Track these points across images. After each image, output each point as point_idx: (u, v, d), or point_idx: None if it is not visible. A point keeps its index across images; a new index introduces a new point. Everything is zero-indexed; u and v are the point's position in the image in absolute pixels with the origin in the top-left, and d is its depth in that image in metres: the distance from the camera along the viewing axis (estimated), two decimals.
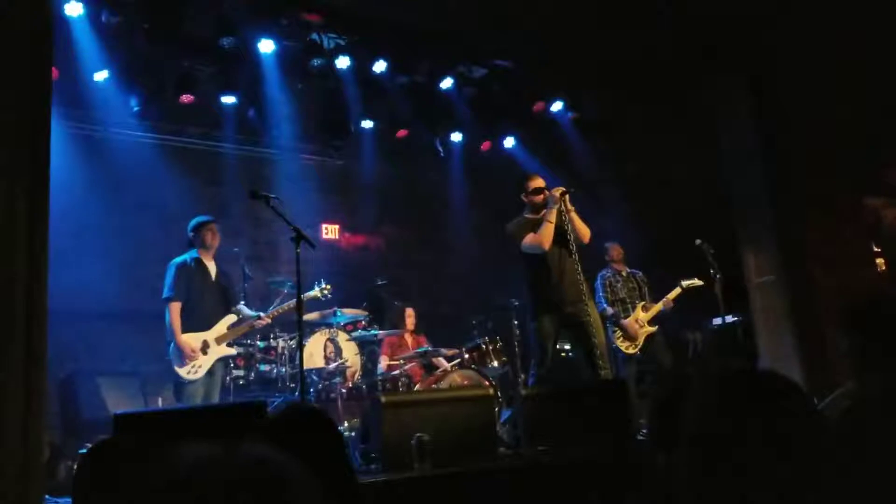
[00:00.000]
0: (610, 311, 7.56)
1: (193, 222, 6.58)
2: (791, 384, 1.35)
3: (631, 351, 7.52)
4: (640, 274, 7.91)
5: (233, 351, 6.46)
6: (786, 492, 1.22)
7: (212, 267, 6.52)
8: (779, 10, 7.01)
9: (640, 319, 7.60)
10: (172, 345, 6.17)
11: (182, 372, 6.12)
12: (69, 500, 4.30)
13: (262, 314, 6.59)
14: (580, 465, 4.24)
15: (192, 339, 6.18)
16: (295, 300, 6.40)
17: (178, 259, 6.43)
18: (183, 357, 6.12)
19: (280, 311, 6.62)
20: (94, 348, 7.43)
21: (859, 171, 7.59)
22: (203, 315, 6.33)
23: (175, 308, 6.21)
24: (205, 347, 6.23)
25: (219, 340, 6.33)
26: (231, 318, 6.47)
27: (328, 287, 6.95)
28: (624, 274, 7.83)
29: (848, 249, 7.40)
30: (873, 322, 2.40)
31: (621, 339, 7.54)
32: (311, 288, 6.93)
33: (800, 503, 1.22)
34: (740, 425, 1.27)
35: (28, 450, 3.84)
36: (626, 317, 7.60)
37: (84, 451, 4.86)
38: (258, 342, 7.07)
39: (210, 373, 6.25)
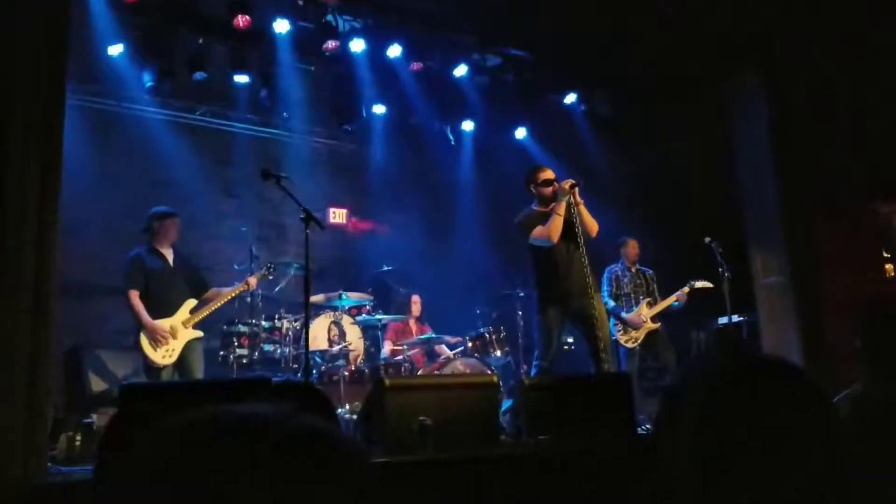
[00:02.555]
0: (611, 304, 7.57)
1: (157, 211, 6.60)
2: (800, 373, 1.34)
3: (630, 345, 7.54)
4: (650, 272, 7.91)
5: (200, 333, 6.49)
6: (789, 484, 1.21)
7: (168, 254, 6.56)
8: (795, 10, 6.99)
9: (643, 315, 7.60)
10: (142, 333, 6.22)
11: (156, 357, 6.17)
12: (71, 469, 4.34)
13: (237, 282, 6.73)
14: (581, 456, 4.24)
15: (161, 324, 6.25)
16: (235, 287, 6.64)
17: (132, 253, 6.47)
18: (156, 342, 6.19)
19: (235, 291, 6.72)
20: (99, 322, 7.45)
21: (871, 175, 7.56)
22: (165, 302, 6.40)
23: (134, 295, 6.27)
24: (173, 332, 6.29)
25: (185, 324, 6.39)
26: (192, 303, 6.52)
27: (274, 267, 7.01)
28: (633, 270, 7.84)
29: (857, 254, 7.38)
30: (889, 324, 2.39)
31: (621, 332, 7.55)
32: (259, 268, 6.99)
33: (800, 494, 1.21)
34: (743, 414, 1.26)
35: (33, 422, 3.87)
36: (628, 311, 7.62)
37: (89, 420, 4.90)
38: (263, 322, 7.11)
39: (182, 357, 6.31)
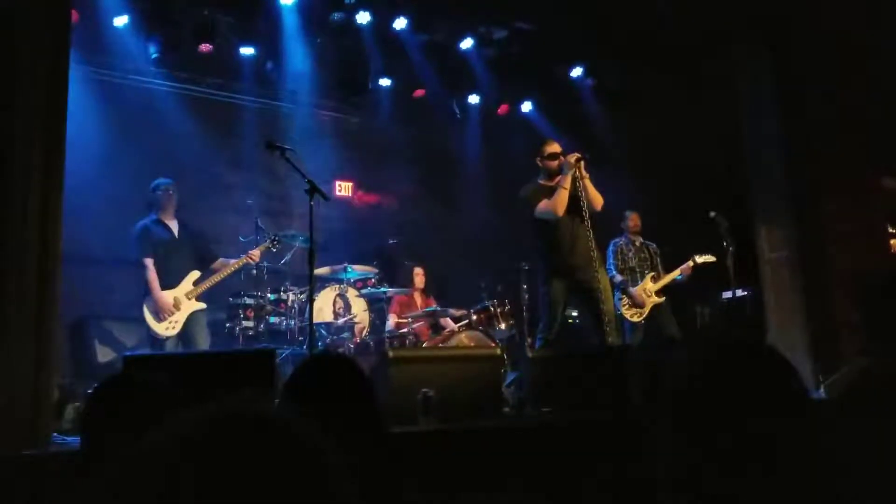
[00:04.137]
0: (619, 278, 7.57)
1: (154, 183, 6.69)
2: (786, 363, 1.33)
3: (636, 319, 7.55)
4: (654, 246, 7.90)
5: (203, 305, 6.54)
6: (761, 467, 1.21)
7: (173, 226, 6.62)
8: None
9: (648, 289, 7.61)
10: (147, 303, 6.28)
11: (160, 329, 6.25)
12: (76, 438, 4.37)
13: (242, 255, 6.76)
14: (583, 427, 4.26)
15: (167, 300, 6.29)
16: (240, 258, 6.68)
17: (139, 224, 6.54)
18: (160, 313, 6.23)
19: (239, 263, 6.74)
20: (105, 294, 7.48)
21: (878, 149, 7.52)
22: (169, 273, 6.46)
23: (150, 263, 6.36)
24: (177, 304, 6.36)
25: (188, 296, 6.45)
26: (195, 274, 6.57)
27: (278, 240, 7.04)
28: (637, 244, 7.83)
29: (863, 228, 7.35)
30: (888, 297, 2.37)
31: (627, 306, 7.56)
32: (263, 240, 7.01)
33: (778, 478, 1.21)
34: (718, 391, 1.26)
35: (38, 390, 3.90)
36: (634, 286, 7.62)
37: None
38: (269, 294, 7.14)
39: (185, 328, 6.37)
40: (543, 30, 8.34)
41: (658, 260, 7.84)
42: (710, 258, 7.71)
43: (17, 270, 3.93)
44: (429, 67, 8.62)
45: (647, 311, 7.58)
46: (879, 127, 7.38)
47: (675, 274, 7.70)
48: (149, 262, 6.33)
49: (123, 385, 2.14)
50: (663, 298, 7.65)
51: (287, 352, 6.67)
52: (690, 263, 7.71)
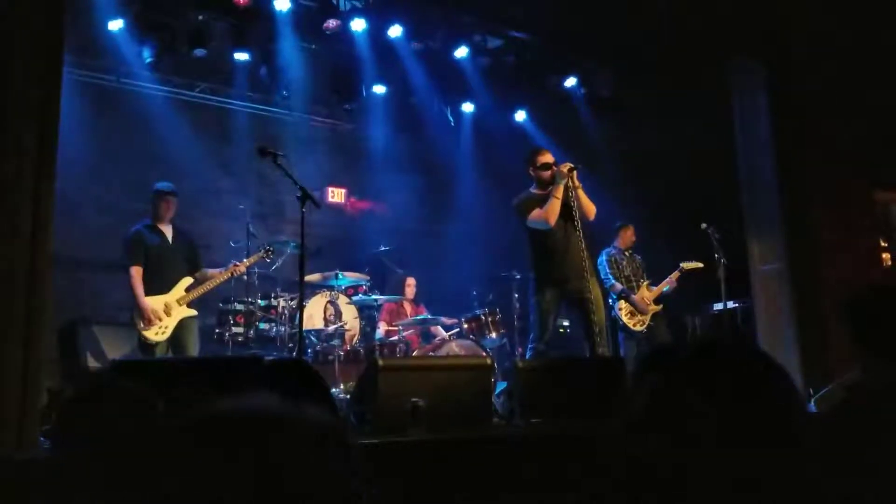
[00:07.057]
0: (619, 286, 7.55)
1: (154, 187, 6.63)
2: (779, 370, 1.32)
3: (639, 328, 7.53)
4: (640, 258, 7.91)
5: (194, 312, 6.51)
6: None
7: (168, 231, 6.58)
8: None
9: (647, 297, 7.61)
10: (136, 309, 6.26)
11: (149, 334, 6.22)
12: None
13: (236, 262, 6.72)
14: (573, 438, 4.25)
15: (154, 302, 6.27)
16: (228, 268, 6.65)
17: (133, 229, 6.49)
18: (147, 321, 6.21)
19: (224, 275, 6.68)
20: (95, 297, 7.47)
21: (870, 164, 7.55)
22: (161, 279, 6.42)
23: (136, 272, 6.30)
24: (167, 310, 6.33)
25: (179, 302, 6.41)
26: (188, 281, 6.54)
27: (272, 250, 6.99)
28: (627, 254, 7.83)
29: (854, 242, 7.38)
30: (877, 311, 2.37)
31: (629, 315, 7.54)
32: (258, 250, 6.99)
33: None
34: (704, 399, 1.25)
35: (26, 394, 3.88)
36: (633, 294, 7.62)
37: None
38: (259, 300, 7.12)
39: (176, 334, 6.34)
40: (539, 39, 8.36)
41: (643, 271, 7.83)
42: (697, 264, 7.72)
43: (7, 273, 3.91)
44: (423, 75, 8.62)
45: (648, 318, 7.58)
46: (873, 140, 7.42)
47: (664, 286, 7.69)
48: (135, 270, 6.29)
49: (102, 393, 2.12)
50: (661, 306, 7.67)
51: (275, 358, 6.64)
52: (674, 276, 7.72)
